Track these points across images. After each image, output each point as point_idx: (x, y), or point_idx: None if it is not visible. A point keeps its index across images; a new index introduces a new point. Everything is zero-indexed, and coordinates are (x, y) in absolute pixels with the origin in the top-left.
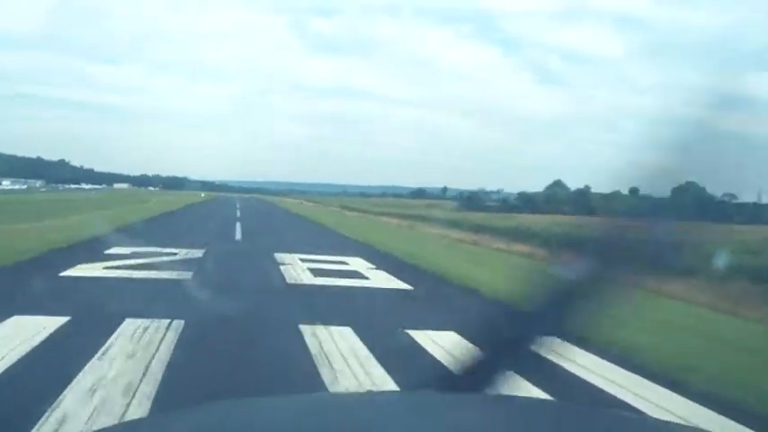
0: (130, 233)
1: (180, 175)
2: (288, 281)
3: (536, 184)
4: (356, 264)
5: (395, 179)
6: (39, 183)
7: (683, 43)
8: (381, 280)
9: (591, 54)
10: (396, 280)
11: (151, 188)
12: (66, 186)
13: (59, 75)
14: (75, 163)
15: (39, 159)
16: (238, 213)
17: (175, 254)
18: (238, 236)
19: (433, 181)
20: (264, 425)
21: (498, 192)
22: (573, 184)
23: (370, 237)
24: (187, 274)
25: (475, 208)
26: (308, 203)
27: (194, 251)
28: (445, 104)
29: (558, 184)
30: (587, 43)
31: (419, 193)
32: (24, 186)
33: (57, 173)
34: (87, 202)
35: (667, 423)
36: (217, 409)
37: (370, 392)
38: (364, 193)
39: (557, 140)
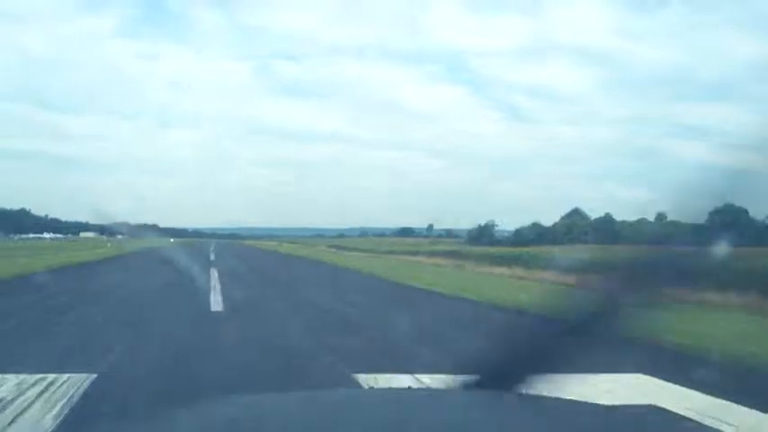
0: None
1: (150, 222)
2: None
3: (519, 220)
4: None
5: (370, 220)
6: None
7: (644, 76)
8: None
9: (557, 90)
10: None
11: (119, 236)
12: (23, 236)
13: (22, 125)
14: (40, 213)
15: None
16: (212, 256)
17: None
18: (216, 304)
19: (406, 221)
20: (278, 420)
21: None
22: (547, 218)
23: (486, 292)
24: None
25: (487, 243)
26: (290, 244)
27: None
28: (415, 145)
29: (576, 212)
30: (553, 79)
31: (406, 232)
32: None
33: (19, 222)
34: (17, 251)
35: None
36: (226, 404)
37: (391, 389)
38: (343, 235)
39: (528, 176)
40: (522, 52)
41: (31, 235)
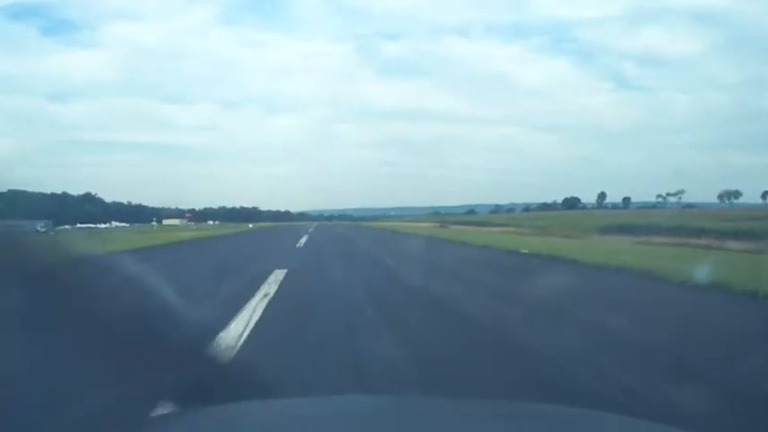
0: None
1: (249, 206)
2: None
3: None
4: None
5: (496, 197)
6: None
7: (763, 36)
8: None
9: (668, 55)
10: None
11: (210, 222)
12: (72, 226)
13: (128, 118)
14: (123, 200)
15: (64, 195)
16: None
17: None
18: None
19: (519, 197)
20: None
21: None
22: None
23: None
24: None
25: None
26: (475, 229)
27: None
28: (529, 121)
29: None
30: (663, 45)
31: (570, 204)
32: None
33: (84, 210)
34: None
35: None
36: (228, 410)
37: (378, 395)
38: (473, 211)
39: (648, 145)
40: (629, 18)
41: (82, 225)
